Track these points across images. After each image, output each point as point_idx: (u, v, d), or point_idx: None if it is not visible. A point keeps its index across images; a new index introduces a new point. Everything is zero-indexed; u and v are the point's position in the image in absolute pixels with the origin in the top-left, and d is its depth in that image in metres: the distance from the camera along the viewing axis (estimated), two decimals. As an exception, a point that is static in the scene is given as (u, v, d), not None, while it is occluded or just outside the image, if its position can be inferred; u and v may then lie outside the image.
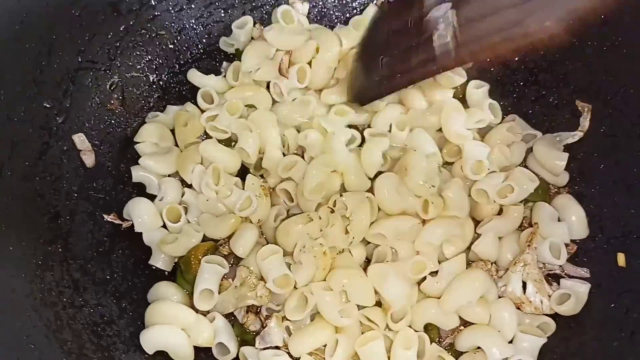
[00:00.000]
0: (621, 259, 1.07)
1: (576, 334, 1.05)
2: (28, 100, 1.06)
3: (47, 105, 1.10)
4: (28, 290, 0.97)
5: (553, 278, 1.12)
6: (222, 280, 1.09)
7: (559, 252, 1.10)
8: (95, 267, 1.10)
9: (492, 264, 1.11)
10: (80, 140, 1.14)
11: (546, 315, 1.08)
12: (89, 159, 1.15)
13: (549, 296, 1.08)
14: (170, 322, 1.04)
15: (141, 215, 1.14)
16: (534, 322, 1.07)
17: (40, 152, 1.08)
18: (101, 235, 1.14)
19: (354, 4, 1.38)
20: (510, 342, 1.05)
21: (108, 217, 1.14)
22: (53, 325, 0.97)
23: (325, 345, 1.03)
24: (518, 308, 1.08)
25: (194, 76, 1.28)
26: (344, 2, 1.38)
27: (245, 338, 1.08)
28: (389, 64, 1.05)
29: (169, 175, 1.21)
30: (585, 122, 1.17)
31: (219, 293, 1.07)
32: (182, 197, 1.19)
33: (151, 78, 1.28)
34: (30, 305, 0.96)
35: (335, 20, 1.38)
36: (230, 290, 1.08)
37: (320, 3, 1.38)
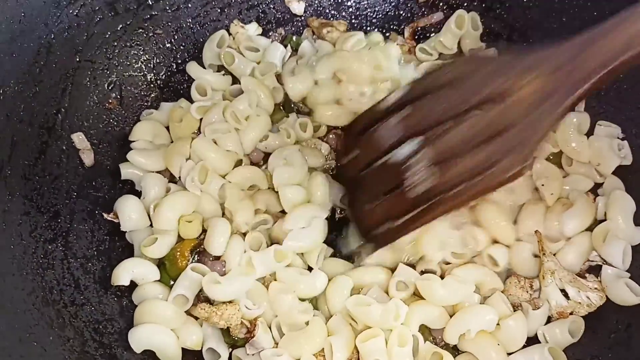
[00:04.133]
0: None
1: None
2: (27, 100, 1.06)
3: (46, 105, 1.10)
4: (30, 288, 0.97)
5: (589, 271, 1.08)
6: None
7: (627, 256, 1.05)
8: (96, 265, 1.10)
9: (525, 279, 1.06)
10: (79, 139, 1.14)
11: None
12: (88, 158, 1.16)
13: (594, 288, 1.03)
14: (159, 322, 1.02)
15: (129, 213, 1.10)
16: (564, 327, 1.02)
17: (39, 152, 1.08)
18: (101, 234, 1.13)
19: (349, 3, 1.39)
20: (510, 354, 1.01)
21: (108, 216, 1.14)
22: (55, 323, 0.97)
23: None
24: (571, 314, 1.03)
25: (194, 69, 1.28)
26: (340, 0, 1.39)
27: (236, 344, 1.06)
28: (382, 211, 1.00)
29: (159, 172, 1.17)
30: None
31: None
32: (167, 192, 1.13)
33: (149, 77, 1.28)
34: (32, 304, 0.96)
35: (331, 19, 1.39)
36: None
37: (316, 2, 1.38)
